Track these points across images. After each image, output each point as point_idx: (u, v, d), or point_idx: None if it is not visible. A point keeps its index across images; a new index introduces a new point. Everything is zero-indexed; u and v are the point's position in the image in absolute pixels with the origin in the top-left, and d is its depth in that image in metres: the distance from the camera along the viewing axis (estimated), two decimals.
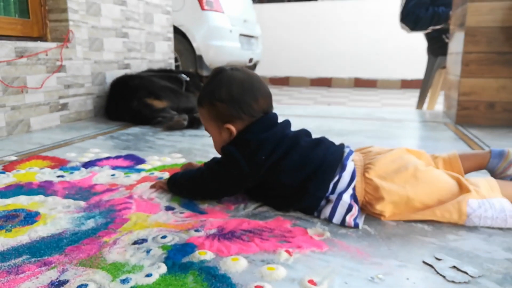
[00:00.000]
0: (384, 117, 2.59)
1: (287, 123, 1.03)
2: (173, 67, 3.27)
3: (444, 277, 0.68)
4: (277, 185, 0.95)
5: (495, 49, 2.19)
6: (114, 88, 2.34)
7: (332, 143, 1.02)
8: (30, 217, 0.92)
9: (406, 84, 6.93)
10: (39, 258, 0.74)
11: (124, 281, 0.66)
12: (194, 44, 4.47)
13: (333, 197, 0.91)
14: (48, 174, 1.25)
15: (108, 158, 1.46)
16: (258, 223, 0.89)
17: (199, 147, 1.67)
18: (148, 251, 0.76)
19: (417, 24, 3.35)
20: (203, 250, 0.76)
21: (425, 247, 0.80)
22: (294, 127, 1.04)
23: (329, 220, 0.91)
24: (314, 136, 1.05)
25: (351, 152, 0.99)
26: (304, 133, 1.03)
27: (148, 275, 0.67)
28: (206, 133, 1.06)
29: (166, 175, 1.25)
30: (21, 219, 0.91)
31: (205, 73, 4.43)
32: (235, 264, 0.71)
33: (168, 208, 0.98)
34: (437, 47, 3.33)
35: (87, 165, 1.36)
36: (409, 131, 2.16)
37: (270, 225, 0.89)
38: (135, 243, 0.80)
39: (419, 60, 6.35)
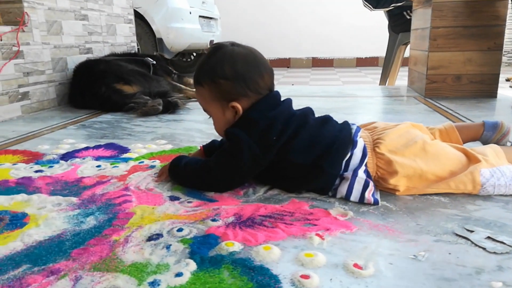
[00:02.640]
0: (355, 94, 2.61)
1: (290, 101, 0.98)
2: (136, 51, 3.08)
3: (484, 248, 0.67)
4: (288, 165, 0.90)
5: (460, 23, 2.24)
6: (78, 74, 2.17)
7: (337, 122, 0.98)
8: (17, 219, 0.81)
9: (360, 62, 7.07)
10: (43, 267, 0.64)
11: (153, 284, 0.59)
12: (154, 27, 4.26)
13: (349, 174, 0.88)
14: (24, 170, 1.12)
15: (87, 148, 1.34)
16: (275, 207, 0.84)
17: (181, 131, 1.58)
18: (167, 247, 0.69)
19: (380, 2, 3.39)
20: (229, 241, 0.70)
21: (451, 220, 0.78)
22: None
23: (346, 198, 0.88)
24: None
25: (358, 129, 0.96)
26: (310, 111, 0.98)
27: (178, 275, 0.60)
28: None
29: (157, 163, 1.16)
30: (7, 223, 0.80)
31: (166, 56, 4.24)
32: (269, 254, 0.66)
33: (173, 198, 0.91)
34: (399, 24, 3.39)
35: (65, 157, 1.24)
36: (384, 106, 2.18)
37: (288, 208, 0.84)
38: (150, 239, 0.72)
39: (373, 38, 6.50)
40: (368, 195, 0.86)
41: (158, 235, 0.73)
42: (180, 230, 0.75)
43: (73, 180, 1.04)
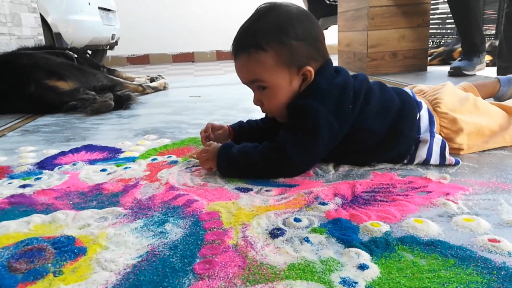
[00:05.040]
0: None
1: (343, 68, 0.90)
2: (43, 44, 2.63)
3: None
4: (364, 136, 0.83)
5: (394, 2, 2.39)
6: None
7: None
8: (65, 245, 0.58)
9: None
10: None
11: (347, 284, 0.46)
12: (49, 20, 3.69)
13: (426, 136, 0.84)
14: (1, 187, 0.84)
15: (63, 153, 1.07)
16: (368, 182, 0.76)
17: (162, 125, 1.38)
18: (306, 240, 0.56)
19: None
20: (372, 222, 0.60)
21: None
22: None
23: (425, 162, 0.84)
24: None
25: (412, 92, 0.93)
26: (366, 77, 0.91)
27: (363, 267, 0.49)
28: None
29: (175, 158, 0.98)
30: (55, 252, 0.57)
31: (88, 50, 3.75)
32: (426, 227, 0.58)
33: (243, 190, 0.76)
34: (319, 10, 3.51)
35: (45, 166, 0.97)
36: None
37: (381, 180, 0.77)
38: (273, 235, 0.58)
39: None
40: (448, 155, 0.83)
41: (279, 229, 0.60)
42: (297, 220, 0.62)
43: (88, 189, 0.81)
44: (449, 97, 0.91)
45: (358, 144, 0.84)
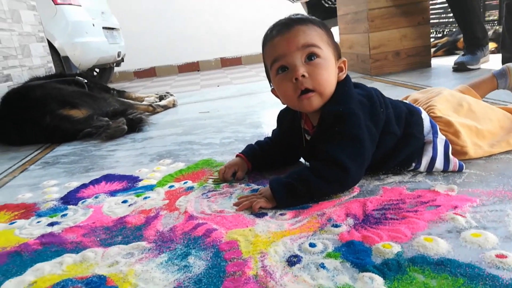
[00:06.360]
0: None
1: None
2: (53, 72, 2.71)
3: None
4: (387, 138, 0.86)
5: (393, 2, 2.40)
6: (9, 105, 1.83)
7: None
8: (98, 285, 0.63)
9: None
10: None
11: None
12: (56, 45, 3.79)
13: (429, 137, 0.88)
14: (33, 226, 0.89)
15: (84, 186, 1.12)
16: (378, 199, 0.79)
17: (175, 147, 1.42)
18: (322, 266, 0.59)
19: None
20: (384, 243, 0.63)
21: None
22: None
23: (432, 162, 0.87)
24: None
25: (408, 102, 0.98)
26: None
27: None
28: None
29: (191, 184, 1.02)
30: None
31: (95, 73, 3.83)
32: (436, 245, 0.61)
33: (259, 215, 0.79)
34: (319, 13, 3.53)
35: (69, 201, 1.02)
36: None
37: (391, 196, 0.80)
38: (291, 263, 0.61)
39: None
40: (452, 156, 0.86)
41: (295, 256, 0.63)
42: (312, 245, 0.65)
43: (113, 223, 0.85)
44: (442, 103, 0.95)
45: (380, 148, 0.86)
